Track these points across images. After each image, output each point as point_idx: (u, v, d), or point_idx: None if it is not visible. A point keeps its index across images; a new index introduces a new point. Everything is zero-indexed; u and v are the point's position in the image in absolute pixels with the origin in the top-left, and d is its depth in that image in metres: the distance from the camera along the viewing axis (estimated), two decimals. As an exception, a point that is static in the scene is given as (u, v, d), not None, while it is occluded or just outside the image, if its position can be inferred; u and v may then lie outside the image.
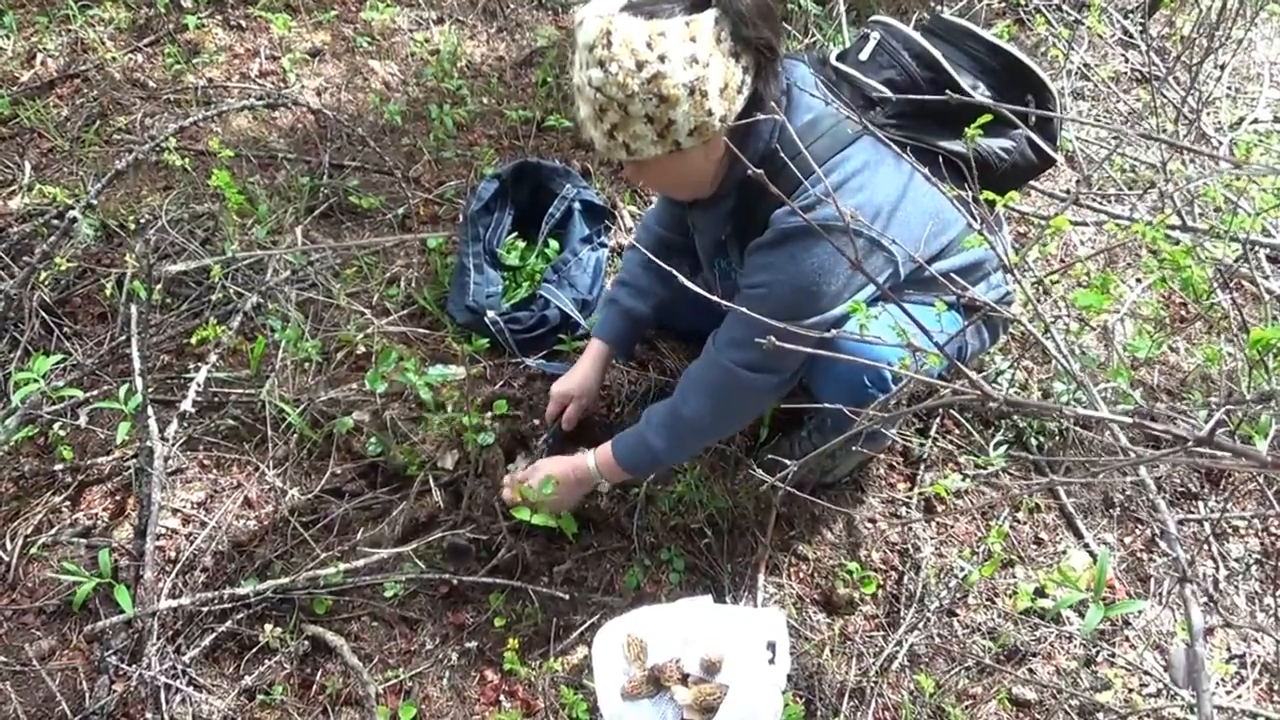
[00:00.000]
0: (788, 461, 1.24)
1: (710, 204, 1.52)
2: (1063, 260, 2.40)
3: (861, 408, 1.20)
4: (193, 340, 1.90)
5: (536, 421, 1.89)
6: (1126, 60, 2.95)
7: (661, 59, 1.24)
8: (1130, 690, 1.63)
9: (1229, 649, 1.70)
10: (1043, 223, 2.35)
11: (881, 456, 1.96)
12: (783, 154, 1.35)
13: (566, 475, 1.66)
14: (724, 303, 1.13)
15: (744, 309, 1.15)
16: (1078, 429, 1.97)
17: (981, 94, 1.45)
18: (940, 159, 1.43)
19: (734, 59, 1.29)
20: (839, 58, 1.50)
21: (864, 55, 1.48)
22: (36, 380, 1.70)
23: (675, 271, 1.14)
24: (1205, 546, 1.83)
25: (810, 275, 1.37)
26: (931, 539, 1.84)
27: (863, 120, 1.35)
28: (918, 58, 1.44)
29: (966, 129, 1.31)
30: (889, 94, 1.42)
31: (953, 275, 1.46)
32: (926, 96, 1.36)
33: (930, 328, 1.21)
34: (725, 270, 1.62)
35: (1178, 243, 1.80)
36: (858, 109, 1.42)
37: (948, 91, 1.36)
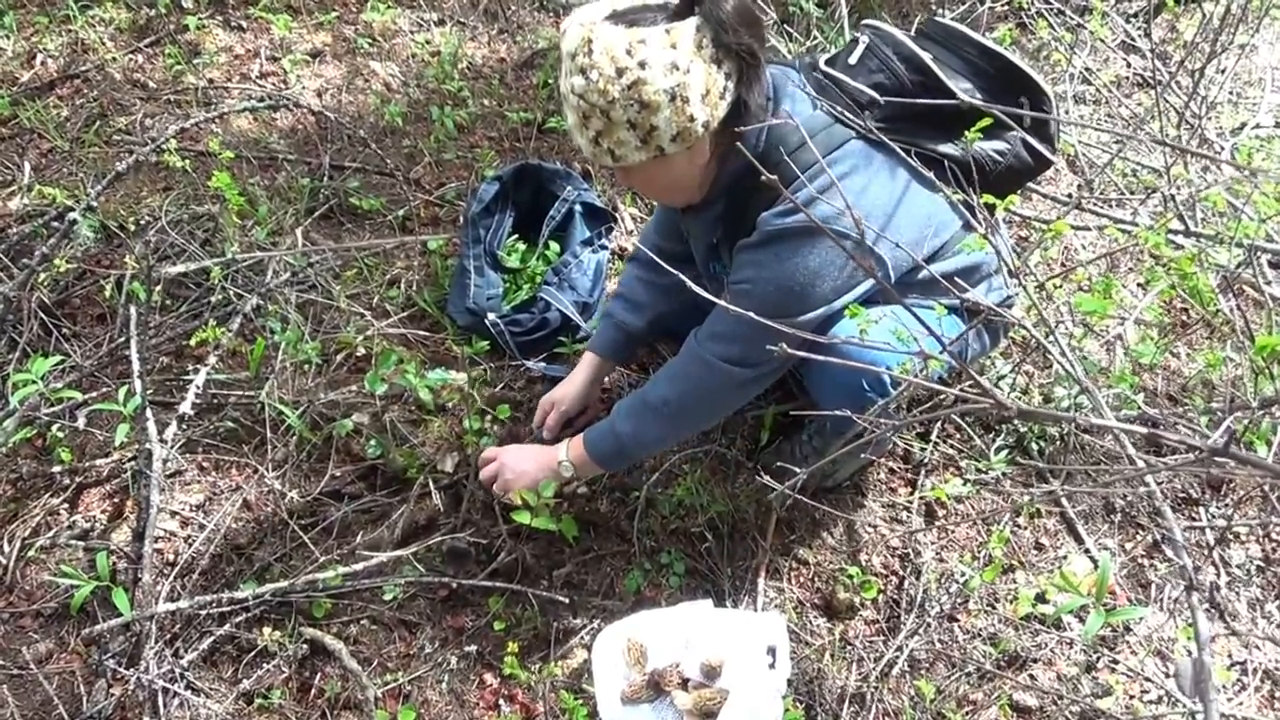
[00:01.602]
0: (796, 469, 1.24)
1: (701, 209, 1.53)
2: (1064, 265, 2.39)
3: (859, 413, 1.20)
4: (192, 342, 1.90)
5: (531, 427, 1.89)
6: (1129, 65, 2.95)
7: (642, 65, 1.24)
8: (1131, 697, 1.62)
9: (1230, 656, 1.69)
10: (1044, 227, 2.35)
11: (882, 461, 1.96)
12: (781, 152, 1.34)
13: (531, 457, 1.66)
14: (712, 299, 1.13)
15: (729, 303, 1.15)
16: (1079, 434, 1.96)
17: (973, 97, 1.45)
18: (939, 162, 1.43)
19: (716, 65, 1.29)
20: (828, 62, 1.50)
21: (853, 59, 1.48)
22: (35, 382, 1.69)
23: (682, 275, 1.14)
24: (1207, 553, 1.83)
25: (795, 276, 1.37)
26: (932, 544, 1.84)
27: (863, 122, 1.35)
28: (907, 61, 1.44)
29: (965, 132, 1.31)
30: (877, 97, 1.42)
31: (955, 279, 1.45)
32: (917, 100, 1.36)
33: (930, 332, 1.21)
34: (718, 273, 1.62)
35: (1180, 248, 1.80)
36: (846, 114, 1.42)
37: (941, 95, 1.37)
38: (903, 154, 1.30)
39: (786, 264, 1.36)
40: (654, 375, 1.60)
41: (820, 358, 1.14)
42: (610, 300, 1.89)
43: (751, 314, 1.09)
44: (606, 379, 2.04)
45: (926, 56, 1.43)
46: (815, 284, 1.37)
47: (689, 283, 1.07)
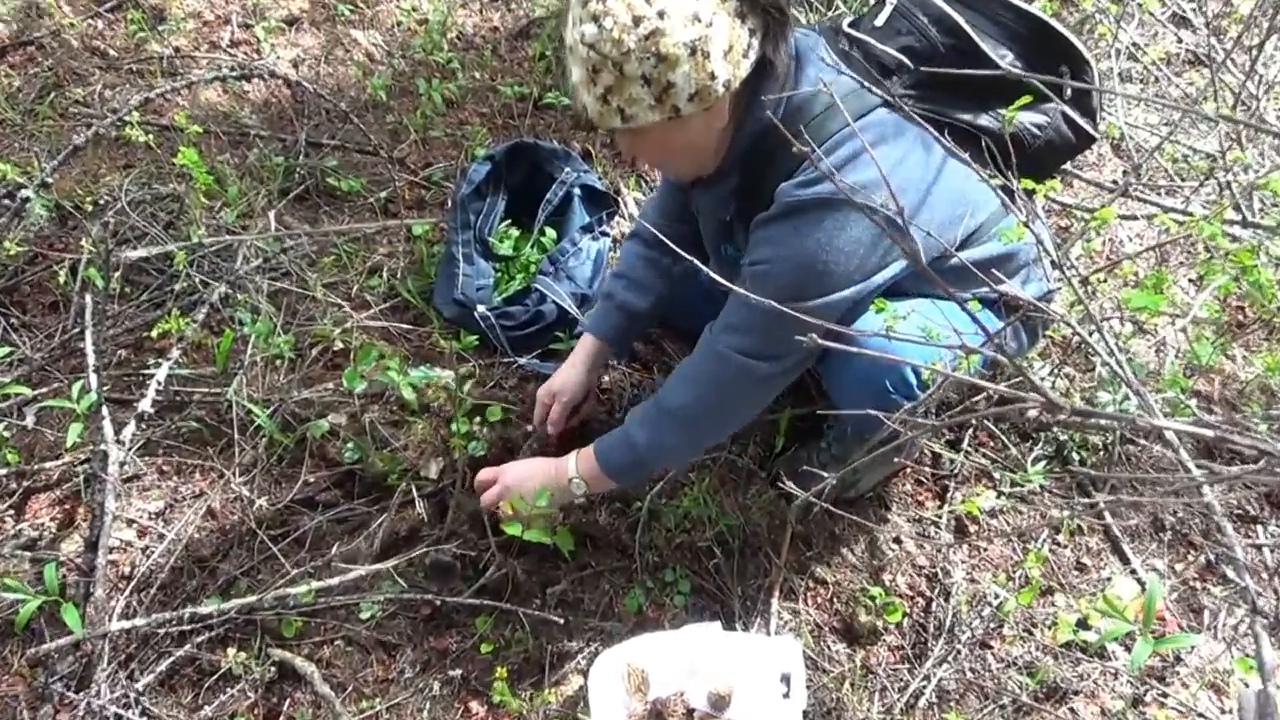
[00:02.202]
0: (823, 473, 1.21)
1: (712, 182, 1.51)
2: (1109, 257, 2.37)
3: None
4: (153, 334, 1.88)
5: (530, 428, 1.87)
6: (1180, 41, 2.93)
7: (661, 15, 1.22)
8: (1182, 733, 1.60)
9: (1290, 688, 1.67)
10: (1087, 215, 2.33)
11: (909, 471, 1.94)
12: (805, 117, 1.32)
13: (538, 476, 1.63)
14: (726, 284, 1.10)
15: (745, 290, 1.13)
16: (1125, 444, 1.94)
17: (1010, 63, 1.43)
18: (971, 135, 1.41)
19: (740, 20, 1.28)
20: (852, 24, 1.49)
21: (879, 21, 1.47)
22: (-21, 375, 1.68)
23: (694, 260, 1.11)
24: (1269, 576, 1.81)
25: (817, 254, 1.34)
26: (963, 563, 1.82)
27: (889, 88, 1.33)
28: (937, 23, 1.43)
29: (1004, 108, 1.28)
30: (907, 62, 1.41)
31: (990, 268, 1.43)
32: (950, 70, 1.34)
33: (963, 328, 1.18)
34: (732, 257, 1.60)
35: (1237, 239, 1.78)
36: (872, 79, 1.40)
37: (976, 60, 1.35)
38: (927, 126, 1.27)
39: (808, 240, 1.34)
40: (669, 378, 1.57)
41: (845, 348, 1.12)
42: (608, 279, 1.86)
43: (770, 300, 1.07)
44: (605, 378, 2.02)
45: (958, 18, 1.41)
46: (839, 262, 1.34)
47: (701, 268, 1.05)
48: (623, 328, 1.84)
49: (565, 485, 1.61)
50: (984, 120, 1.43)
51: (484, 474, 1.68)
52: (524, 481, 1.63)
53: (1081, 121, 1.49)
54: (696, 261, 1.10)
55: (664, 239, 1.76)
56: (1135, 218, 2.38)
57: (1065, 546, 1.86)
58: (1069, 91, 1.47)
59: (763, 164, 1.41)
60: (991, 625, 1.72)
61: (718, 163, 1.46)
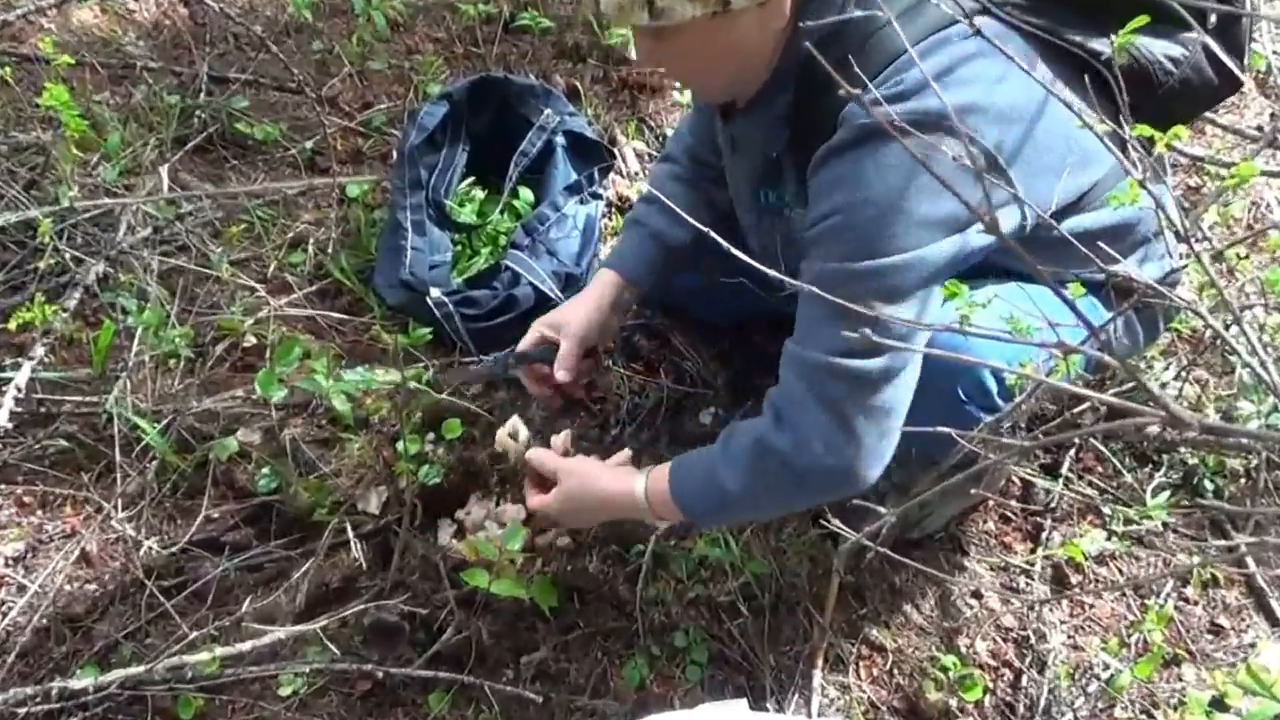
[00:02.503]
0: (880, 508, 1.21)
1: (756, 106, 1.51)
2: (1251, 226, 2.38)
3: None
4: (10, 325, 1.88)
5: (501, 449, 1.87)
6: (1345, -57, 2.94)
7: None
8: (1346, 844, 1.61)
9: None
10: (1223, 172, 2.33)
11: (991, 504, 1.95)
12: (878, 20, 1.31)
13: (605, 496, 1.61)
14: (780, 277, 1.10)
15: (808, 268, 1.12)
16: (1272, 470, 1.95)
17: None
18: (1083, 63, 1.41)
19: None
20: None
21: None
22: None
23: (712, 233, 1.11)
24: None
25: (903, 185, 1.31)
26: (1062, 624, 1.83)
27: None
28: None
29: (1118, 31, 1.29)
30: None
31: (1098, 242, 1.43)
32: None
33: (1061, 320, 1.19)
34: (775, 205, 1.59)
35: None
36: None
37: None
38: (1007, 52, 1.26)
39: (890, 172, 1.31)
40: (765, 414, 1.49)
41: (903, 346, 1.12)
42: (639, 205, 1.86)
43: (852, 263, 1.06)
44: (605, 358, 2.00)
45: None
46: (927, 199, 1.31)
47: (743, 257, 1.04)
48: (657, 262, 1.80)
49: (634, 514, 1.60)
50: (1104, 45, 1.42)
51: (538, 501, 1.65)
52: (580, 502, 1.62)
53: (1227, 59, 1.48)
54: (727, 245, 1.09)
55: (695, 170, 1.76)
56: (1286, 175, 2.39)
57: (1196, 603, 1.87)
58: (1213, 19, 1.47)
59: (822, 82, 1.39)
60: (1099, 704, 1.73)
61: (766, 77, 1.45)
